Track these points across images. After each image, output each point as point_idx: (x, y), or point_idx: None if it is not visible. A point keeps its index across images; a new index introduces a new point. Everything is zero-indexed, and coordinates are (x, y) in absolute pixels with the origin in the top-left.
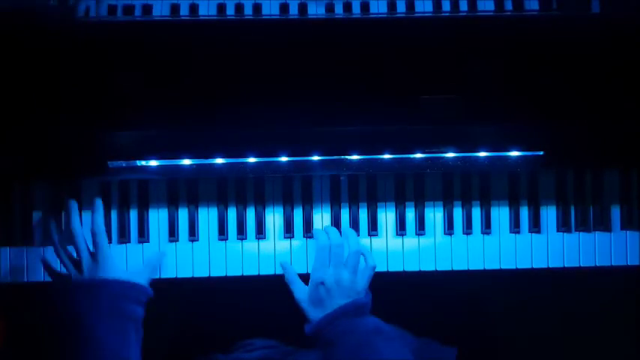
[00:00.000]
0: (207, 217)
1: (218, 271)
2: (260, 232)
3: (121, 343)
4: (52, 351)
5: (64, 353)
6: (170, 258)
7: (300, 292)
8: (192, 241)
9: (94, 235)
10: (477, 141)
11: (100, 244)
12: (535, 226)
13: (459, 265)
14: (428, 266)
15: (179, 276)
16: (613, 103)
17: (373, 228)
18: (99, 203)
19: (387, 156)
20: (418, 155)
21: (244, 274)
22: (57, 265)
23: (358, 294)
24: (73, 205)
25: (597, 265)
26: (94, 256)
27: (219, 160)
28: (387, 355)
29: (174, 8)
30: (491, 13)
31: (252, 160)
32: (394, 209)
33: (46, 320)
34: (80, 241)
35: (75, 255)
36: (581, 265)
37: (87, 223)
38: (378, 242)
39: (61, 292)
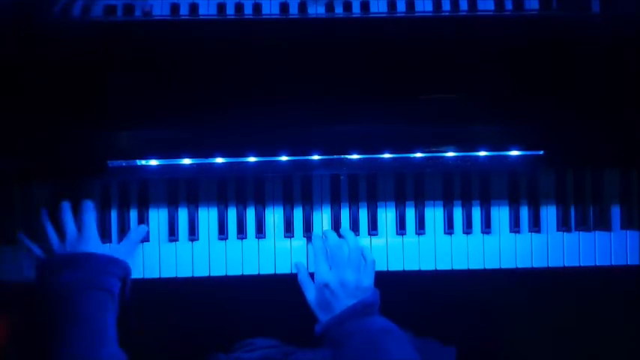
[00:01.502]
0: (207, 216)
1: (218, 271)
2: (260, 231)
3: (97, 314)
4: (36, 319)
5: (46, 325)
6: (170, 258)
7: (311, 294)
8: (192, 240)
9: (80, 212)
10: (476, 141)
11: (85, 221)
12: (535, 225)
13: (459, 265)
14: (428, 266)
15: (179, 276)
16: (613, 103)
17: (373, 228)
18: (92, 191)
19: (387, 156)
20: (418, 155)
21: (244, 273)
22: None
23: (364, 292)
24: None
25: (597, 264)
26: (78, 231)
27: (219, 160)
28: (395, 355)
29: (174, 8)
30: (491, 13)
31: (252, 159)
32: (394, 209)
33: (33, 293)
34: (66, 216)
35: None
36: (581, 264)
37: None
38: (378, 242)
39: (44, 263)
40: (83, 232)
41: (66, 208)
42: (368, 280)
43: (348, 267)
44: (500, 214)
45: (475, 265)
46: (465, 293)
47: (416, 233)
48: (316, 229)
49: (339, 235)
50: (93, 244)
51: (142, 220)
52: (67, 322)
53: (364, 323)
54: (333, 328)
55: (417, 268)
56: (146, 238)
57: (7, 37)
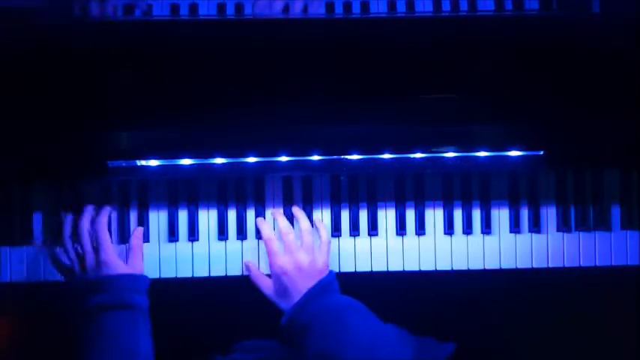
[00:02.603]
0: (207, 216)
1: (218, 271)
2: (260, 231)
3: (131, 334)
4: (65, 350)
5: (79, 351)
6: (170, 258)
7: (267, 287)
8: (192, 240)
9: (96, 233)
10: (476, 141)
11: (102, 242)
12: (535, 225)
13: (459, 265)
14: (428, 266)
15: (179, 276)
16: (613, 103)
17: (373, 228)
18: (106, 208)
19: (387, 156)
20: (418, 155)
21: (244, 273)
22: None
23: (321, 272)
24: (88, 209)
25: (597, 265)
26: (96, 253)
27: (219, 160)
28: (361, 329)
29: (174, 8)
30: (491, 13)
31: (252, 159)
32: (394, 209)
33: (57, 320)
34: (85, 240)
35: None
36: (582, 265)
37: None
38: (378, 242)
39: (68, 290)
40: (101, 255)
41: (83, 227)
42: (322, 259)
43: (300, 249)
44: (501, 215)
45: (475, 265)
46: (464, 294)
47: (416, 233)
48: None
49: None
50: (112, 265)
51: (142, 220)
52: (98, 345)
53: (326, 303)
54: (297, 314)
55: (417, 269)
56: (146, 239)
57: (6, 38)
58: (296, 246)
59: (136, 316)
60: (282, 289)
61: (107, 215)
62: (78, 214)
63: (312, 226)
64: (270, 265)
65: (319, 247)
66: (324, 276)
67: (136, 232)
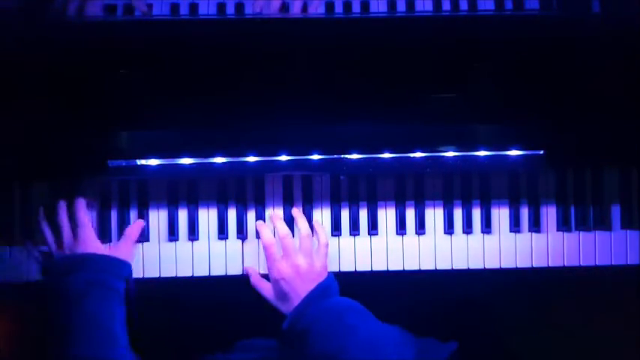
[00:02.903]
0: (207, 216)
1: (218, 271)
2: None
3: (105, 314)
4: (43, 328)
5: (53, 328)
6: (170, 258)
7: (267, 292)
8: (192, 240)
9: (74, 211)
10: (476, 140)
11: (79, 220)
12: (535, 225)
13: (459, 265)
14: (428, 266)
15: (179, 275)
16: (613, 103)
17: (373, 227)
18: (83, 188)
19: (387, 155)
20: (418, 155)
21: (244, 273)
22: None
23: (319, 275)
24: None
25: (597, 264)
26: (74, 233)
27: (219, 160)
28: (362, 330)
29: (174, 8)
30: (491, 13)
31: (252, 159)
32: (394, 209)
33: (37, 301)
34: (61, 217)
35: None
36: (582, 264)
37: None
38: (378, 241)
39: (45, 267)
40: (79, 233)
41: (61, 208)
42: (320, 263)
43: (299, 253)
44: (501, 214)
45: (475, 264)
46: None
47: (416, 233)
48: None
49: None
50: (90, 244)
51: (142, 219)
52: (74, 324)
53: (326, 306)
54: (297, 318)
55: (417, 269)
56: (146, 238)
57: (7, 37)
58: (294, 250)
59: (111, 297)
60: (282, 294)
61: (84, 200)
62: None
63: (312, 227)
64: (269, 270)
65: (317, 250)
66: (322, 279)
67: (136, 223)
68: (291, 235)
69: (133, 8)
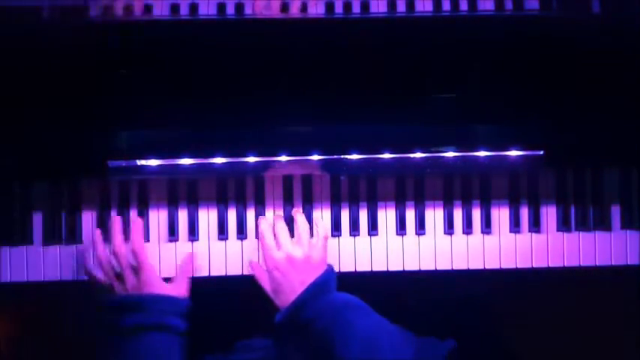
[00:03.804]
0: (207, 216)
1: (218, 271)
2: None
3: (165, 356)
4: None
5: None
6: (170, 258)
7: (265, 282)
8: (192, 240)
9: (135, 252)
10: (476, 141)
11: (142, 261)
12: (535, 225)
13: (459, 265)
14: (428, 266)
15: None
16: (613, 103)
17: (373, 227)
18: (139, 223)
19: (387, 156)
20: (418, 155)
21: (244, 273)
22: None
23: (317, 268)
24: (117, 222)
25: (597, 264)
26: (136, 272)
27: (219, 160)
28: (361, 327)
29: (174, 8)
30: (491, 13)
31: (252, 159)
32: (394, 209)
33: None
34: (123, 257)
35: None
36: (582, 264)
37: (87, 221)
38: (377, 242)
39: (106, 304)
40: (143, 271)
41: (120, 247)
42: (318, 255)
43: (294, 244)
44: (501, 214)
45: (475, 265)
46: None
47: (416, 233)
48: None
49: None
50: (156, 285)
51: (142, 219)
52: None
53: (323, 304)
54: (294, 314)
55: (417, 268)
56: (146, 238)
57: (6, 38)
58: (289, 241)
59: (173, 339)
60: (276, 285)
61: (141, 229)
62: (79, 212)
63: (312, 228)
64: (265, 260)
65: (315, 242)
66: (321, 272)
67: (187, 257)
68: (289, 232)
69: (133, 8)
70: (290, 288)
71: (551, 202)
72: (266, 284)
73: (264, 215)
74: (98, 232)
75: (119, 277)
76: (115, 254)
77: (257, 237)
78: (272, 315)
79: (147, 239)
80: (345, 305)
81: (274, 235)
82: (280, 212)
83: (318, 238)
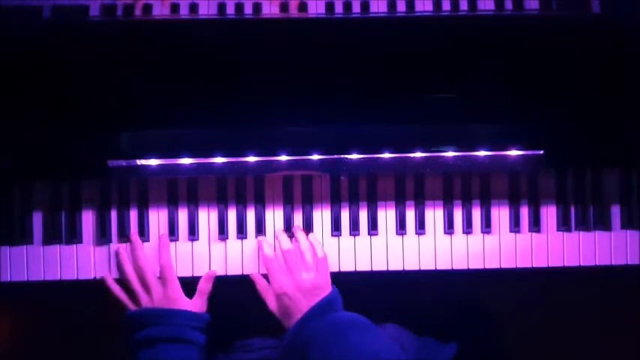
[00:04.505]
0: (207, 216)
1: (218, 271)
2: (260, 231)
3: None
4: None
5: None
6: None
7: (272, 303)
8: (192, 240)
9: (163, 267)
10: (477, 140)
11: (169, 277)
12: (535, 225)
13: (459, 265)
14: (428, 266)
15: (179, 275)
16: (613, 103)
17: (373, 227)
18: (165, 239)
19: (387, 155)
20: (418, 155)
21: (244, 273)
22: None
23: (323, 290)
24: (138, 241)
25: (597, 264)
26: (163, 286)
27: (219, 160)
28: (364, 345)
29: (174, 8)
30: (492, 13)
31: (252, 159)
32: (394, 209)
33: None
34: (149, 272)
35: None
36: (582, 264)
37: (88, 220)
38: (377, 241)
39: (134, 317)
40: (169, 287)
41: (147, 268)
42: (323, 278)
43: (301, 269)
44: (501, 214)
45: (475, 265)
46: (464, 293)
47: (416, 233)
48: (316, 230)
49: (290, 236)
50: (180, 301)
51: (142, 219)
52: None
53: (327, 321)
54: (297, 333)
55: (417, 268)
56: (146, 238)
57: (6, 37)
58: (297, 265)
59: (193, 352)
60: (284, 309)
61: (168, 244)
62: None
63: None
64: (271, 284)
65: (318, 265)
66: (326, 294)
67: (207, 275)
68: (294, 250)
69: (133, 8)
70: (298, 311)
71: (551, 201)
72: (272, 304)
73: (264, 215)
74: (136, 234)
75: (147, 291)
76: (139, 268)
77: (258, 236)
78: (272, 315)
79: (147, 239)
80: (348, 324)
81: (272, 251)
82: (281, 226)
83: (319, 261)
